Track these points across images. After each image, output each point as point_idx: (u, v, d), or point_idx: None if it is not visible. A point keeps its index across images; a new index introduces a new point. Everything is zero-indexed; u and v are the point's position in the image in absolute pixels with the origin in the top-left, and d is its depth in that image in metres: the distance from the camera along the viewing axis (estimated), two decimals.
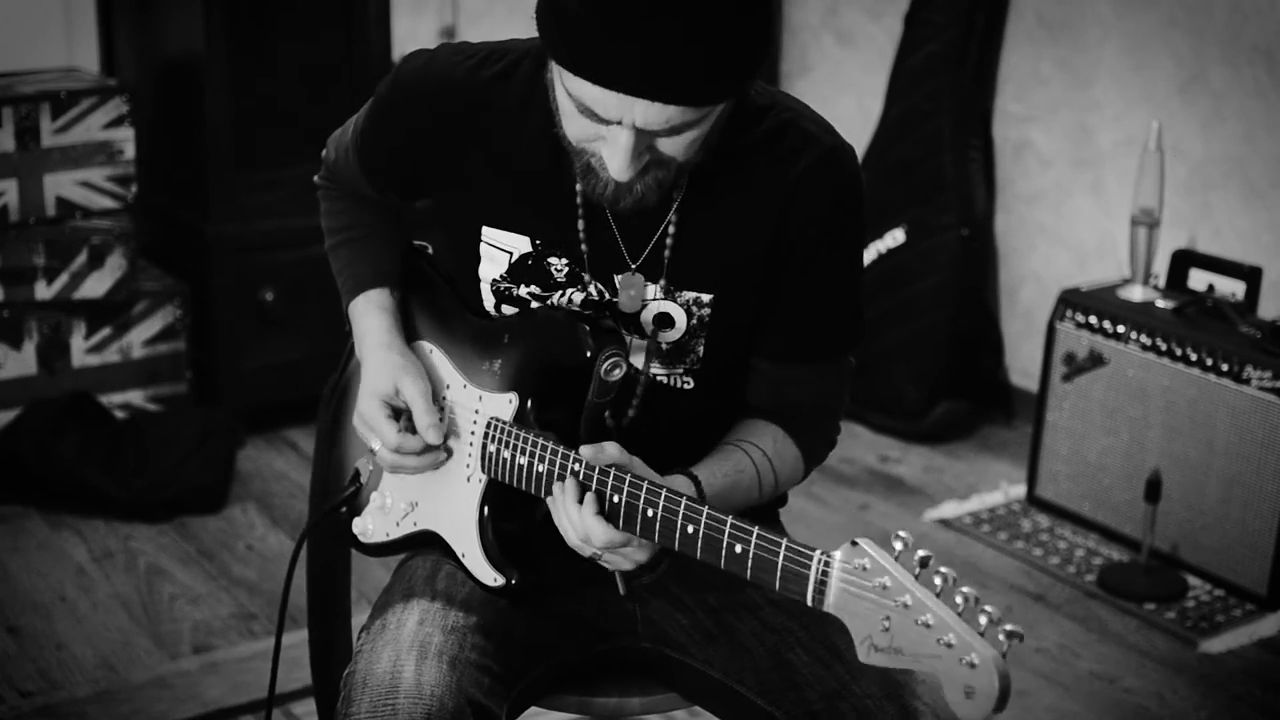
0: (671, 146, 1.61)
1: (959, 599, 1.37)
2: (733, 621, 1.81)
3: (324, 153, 1.98)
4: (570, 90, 1.57)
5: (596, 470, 1.62)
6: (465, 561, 1.75)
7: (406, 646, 1.69)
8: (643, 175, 1.62)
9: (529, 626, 1.79)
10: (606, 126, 1.58)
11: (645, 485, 1.58)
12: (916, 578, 1.39)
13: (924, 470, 3.88)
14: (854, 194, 1.75)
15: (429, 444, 1.75)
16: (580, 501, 1.62)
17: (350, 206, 1.95)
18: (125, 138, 3.68)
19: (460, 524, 1.76)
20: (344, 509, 1.90)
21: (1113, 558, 3.41)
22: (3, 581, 3.20)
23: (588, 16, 1.51)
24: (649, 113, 1.55)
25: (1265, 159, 3.53)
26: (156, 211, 3.94)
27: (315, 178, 1.99)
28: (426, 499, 1.81)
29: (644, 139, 1.58)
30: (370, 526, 1.86)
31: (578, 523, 1.62)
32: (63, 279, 3.59)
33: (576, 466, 1.63)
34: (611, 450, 1.63)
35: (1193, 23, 3.61)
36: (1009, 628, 1.35)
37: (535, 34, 1.64)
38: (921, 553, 1.40)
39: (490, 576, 1.73)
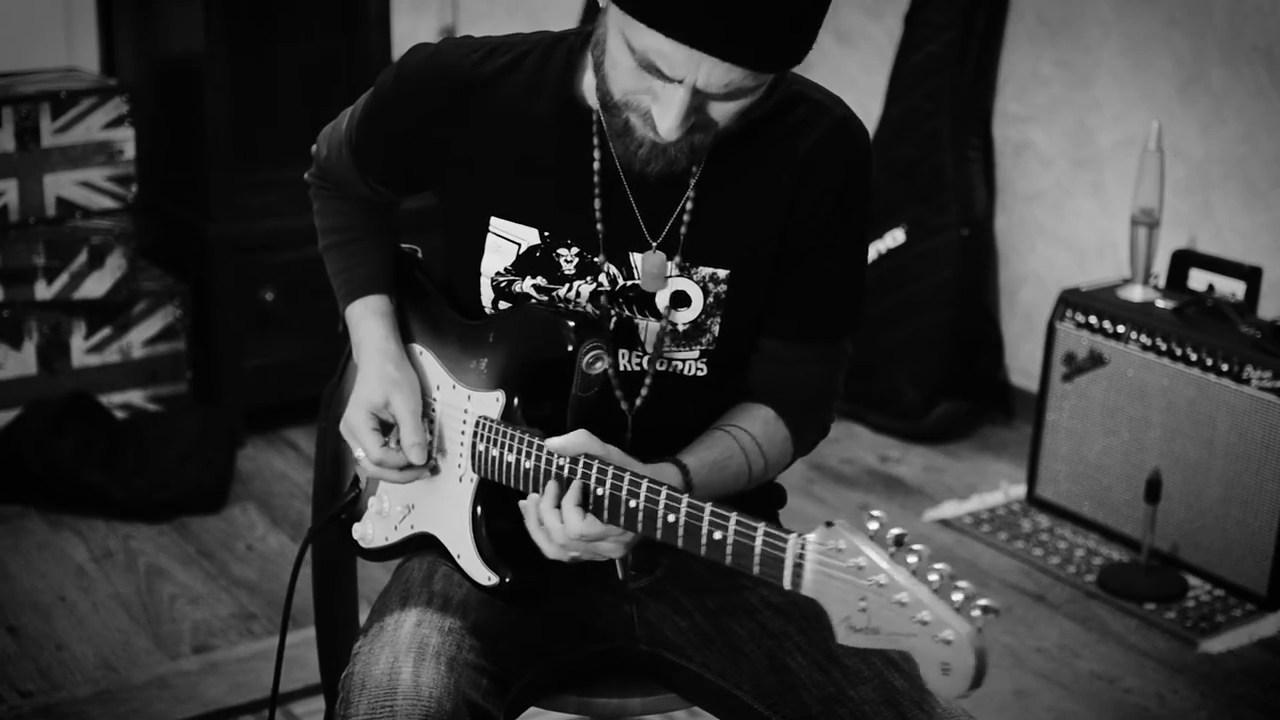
0: (720, 111, 1.60)
1: (933, 576, 1.37)
2: (731, 625, 1.80)
3: (314, 149, 1.97)
4: (634, 44, 1.56)
5: (580, 463, 1.61)
6: (460, 562, 1.76)
7: (404, 648, 1.69)
8: (685, 137, 1.62)
9: (526, 628, 1.79)
10: (663, 84, 1.57)
11: (627, 476, 1.58)
12: (892, 557, 1.39)
13: (924, 470, 3.88)
14: (863, 166, 1.76)
15: (412, 463, 1.76)
16: (558, 506, 1.61)
17: (342, 207, 1.94)
18: (125, 138, 3.68)
19: (454, 524, 1.76)
20: (344, 515, 1.90)
21: (1113, 558, 3.41)
22: (3, 581, 3.20)
23: None
24: (714, 73, 1.54)
25: (1265, 159, 3.53)
26: (156, 211, 3.94)
27: (305, 175, 1.99)
28: (422, 501, 1.81)
29: (698, 99, 1.58)
30: (370, 531, 1.87)
31: (556, 527, 1.61)
32: (63, 279, 3.59)
33: (562, 461, 1.63)
34: (578, 439, 1.62)
35: (1193, 23, 3.61)
36: (983, 603, 1.35)
37: (538, 30, 1.63)
38: (896, 531, 1.39)
39: (484, 576, 1.73)
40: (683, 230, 1.73)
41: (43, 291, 3.59)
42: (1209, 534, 3.29)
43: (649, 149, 1.64)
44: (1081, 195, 3.93)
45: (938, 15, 4.01)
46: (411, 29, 4.31)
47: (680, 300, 1.75)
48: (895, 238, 4.06)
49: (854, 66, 4.38)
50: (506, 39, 1.79)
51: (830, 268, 1.78)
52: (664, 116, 1.58)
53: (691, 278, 1.75)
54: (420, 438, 1.76)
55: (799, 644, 1.76)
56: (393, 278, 1.91)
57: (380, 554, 1.88)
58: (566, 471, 1.62)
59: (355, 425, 1.79)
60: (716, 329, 1.77)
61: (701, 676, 1.80)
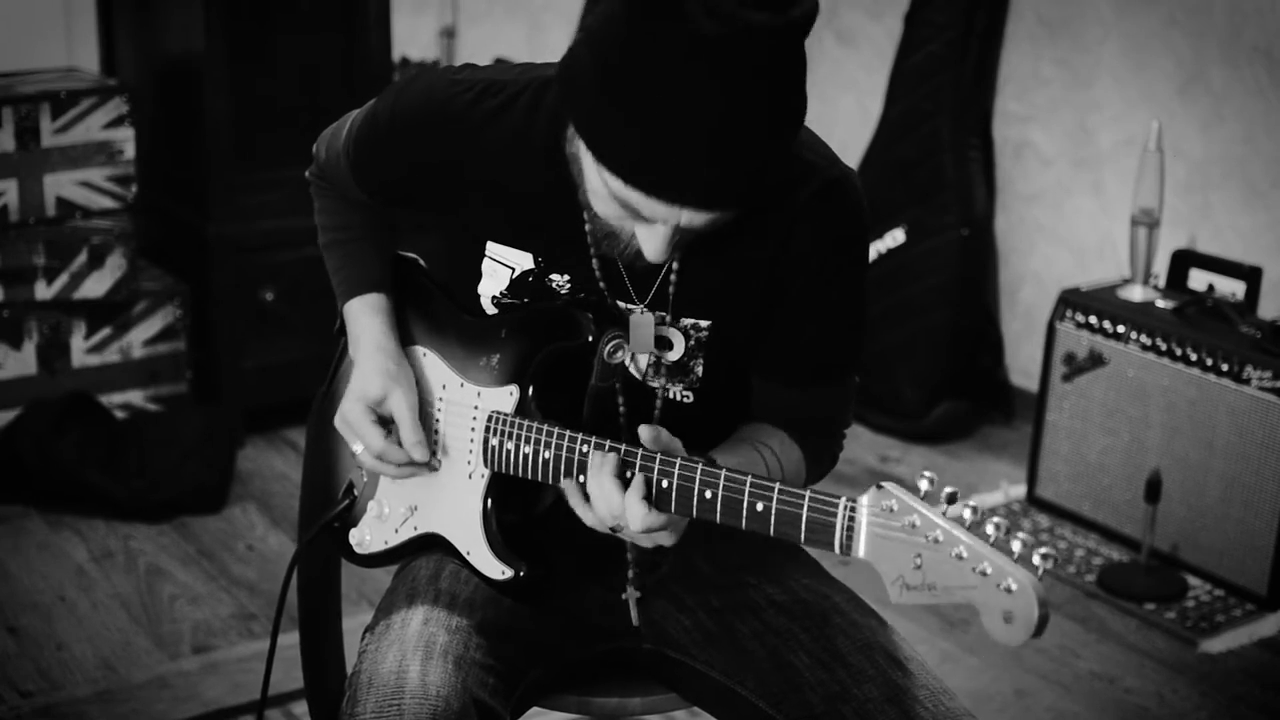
0: (705, 231, 1.61)
1: (990, 530, 1.38)
2: (734, 623, 1.81)
3: (314, 149, 1.97)
4: (612, 188, 1.56)
5: (623, 449, 1.61)
6: (471, 559, 1.75)
7: (411, 646, 1.69)
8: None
9: (532, 626, 1.79)
10: (641, 220, 1.58)
11: (658, 457, 1.58)
12: (945, 514, 1.40)
13: (924, 470, 3.87)
14: (855, 226, 1.74)
15: (414, 460, 1.76)
16: (620, 480, 1.59)
17: (343, 206, 1.95)
18: (125, 138, 3.68)
19: (464, 522, 1.76)
20: (337, 523, 1.89)
21: (1113, 558, 3.41)
22: (3, 581, 3.20)
23: (652, 133, 1.50)
24: (695, 218, 1.55)
25: (1265, 159, 3.53)
26: (156, 211, 3.94)
27: (306, 173, 2.00)
28: (426, 501, 1.81)
29: (680, 230, 1.58)
30: (368, 537, 1.86)
31: (614, 501, 1.60)
32: (63, 279, 3.59)
33: (585, 449, 1.63)
34: (665, 435, 1.61)
35: (1193, 23, 3.62)
36: (1043, 551, 1.36)
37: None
38: (949, 489, 1.41)
39: (498, 570, 1.73)
40: (670, 290, 1.74)
41: (43, 291, 3.59)
42: (1209, 534, 3.29)
43: (637, 253, 1.64)
44: (1081, 195, 3.93)
45: (938, 15, 4.01)
46: (411, 29, 4.31)
47: (662, 344, 1.76)
48: (895, 238, 4.06)
49: (854, 66, 4.38)
50: (499, 76, 1.77)
51: (823, 323, 1.77)
52: (648, 245, 1.59)
53: (675, 325, 1.75)
54: (420, 435, 1.77)
55: (803, 642, 1.76)
56: (391, 278, 1.91)
57: (377, 559, 1.87)
58: (592, 457, 1.62)
59: (354, 419, 1.79)
60: (700, 369, 1.77)
61: (705, 675, 1.80)
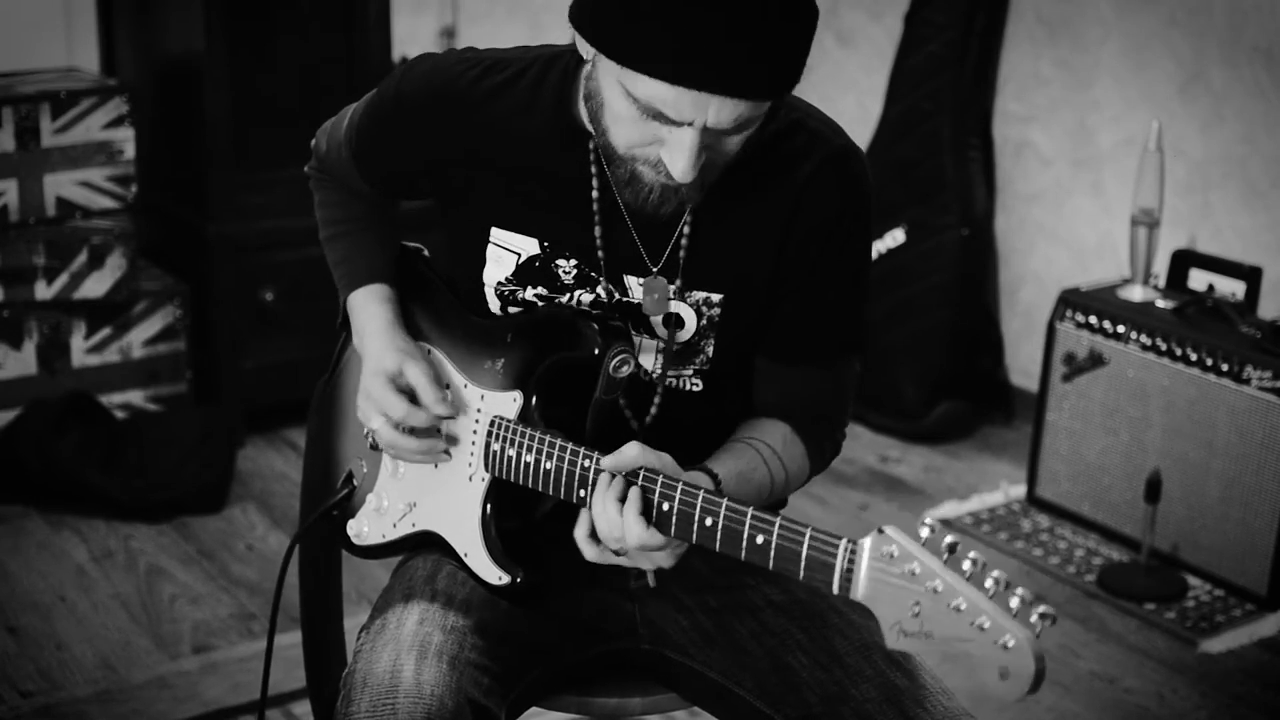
0: (730, 143, 1.61)
1: (989, 583, 1.38)
2: (733, 623, 1.81)
3: (314, 143, 1.98)
4: (636, 93, 1.55)
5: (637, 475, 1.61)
6: (468, 561, 1.75)
7: (406, 646, 1.69)
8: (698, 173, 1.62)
9: (529, 627, 1.79)
10: (670, 130, 1.57)
11: (660, 479, 1.58)
12: (945, 563, 1.40)
13: (924, 470, 3.88)
14: (861, 197, 1.75)
15: (439, 416, 1.74)
16: (622, 500, 1.60)
17: (344, 199, 1.95)
18: (125, 138, 3.68)
19: (462, 523, 1.76)
20: (336, 511, 1.89)
21: (1113, 558, 3.41)
22: (3, 581, 3.20)
23: (673, 19, 1.50)
24: (723, 110, 1.54)
25: (1265, 159, 3.53)
26: (156, 211, 3.94)
27: (306, 167, 1.99)
28: (426, 499, 1.81)
29: (708, 137, 1.57)
30: (366, 528, 1.86)
31: (615, 521, 1.60)
32: (63, 279, 3.59)
33: (587, 463, 1.63)
34: (631, 452, 1.61)
35: (1193, 23, 3.62)
36: (1042, 609, 1.36)
37: (534, 40, 1.62)
38: (950, 539, 1.41)
39: (495, 575, 1.73)
40: (681, 255, 1.74)
41: (43, 291, 3.59)
42: (1209, 534, 3.29)
43: (660, 193, 1.64)
44: (1081, 195, 3.93)
45: (938, 15, 4.01)
46: (411, 29, 4.31)
47: (674, 322, 1.76)
48: (895, 238, 4.06)
49: (854, 66, 4.38)
50: (504, 55, 1.78)
51: (827, 296, 1.78)
52: (677, 160, 1.58)
53: (685, 301, 1.75)
54: (440, 394, 1.75)
55: (800, 642, 1.76)
56: (394, 269, 1.91)
57: (375, 552, 1.87)
58: (593, 475, 1.62)
59: (374, 390, 1.77)
60: (710, 350, 1.77)
61: (703, 675, 1.80)
